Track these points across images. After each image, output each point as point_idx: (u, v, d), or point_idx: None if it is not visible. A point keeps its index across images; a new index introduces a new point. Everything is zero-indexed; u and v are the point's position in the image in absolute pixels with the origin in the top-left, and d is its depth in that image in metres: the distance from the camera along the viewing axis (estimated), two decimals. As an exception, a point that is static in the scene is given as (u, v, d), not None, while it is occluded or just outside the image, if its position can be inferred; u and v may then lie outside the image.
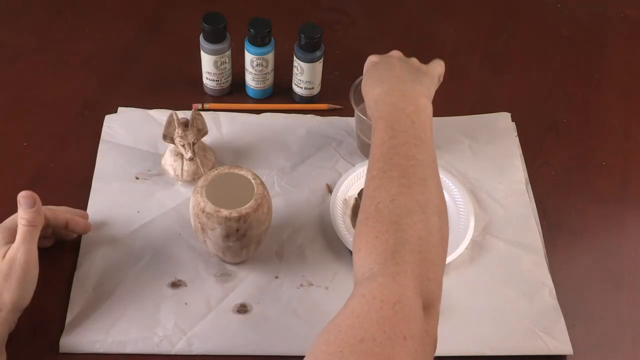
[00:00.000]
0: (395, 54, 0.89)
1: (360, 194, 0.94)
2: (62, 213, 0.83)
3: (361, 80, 0.96)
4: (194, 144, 0.90)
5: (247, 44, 1.00)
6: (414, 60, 0.88)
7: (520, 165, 0.99)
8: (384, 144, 0.74)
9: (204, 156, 0.93)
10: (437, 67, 0.88)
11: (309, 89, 1.04)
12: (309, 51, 0.99)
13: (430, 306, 0.64)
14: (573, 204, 0.97)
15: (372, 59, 0.89)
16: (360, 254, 0.66)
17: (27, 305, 0.76)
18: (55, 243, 0.86)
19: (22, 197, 0.77)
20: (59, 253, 0.86)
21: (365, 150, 0.98)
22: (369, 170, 0.73)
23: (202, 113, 0.94)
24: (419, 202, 0.68)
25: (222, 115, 1.02)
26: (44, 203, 0.84)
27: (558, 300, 0.85)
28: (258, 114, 1.03)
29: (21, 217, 0.77)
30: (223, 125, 1.01)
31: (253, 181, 0.80)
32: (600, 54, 1.18)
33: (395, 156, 0.72)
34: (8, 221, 0.79)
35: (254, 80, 1.03)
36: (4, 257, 0.74)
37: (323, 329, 0.61)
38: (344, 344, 0.57)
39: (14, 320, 0.76)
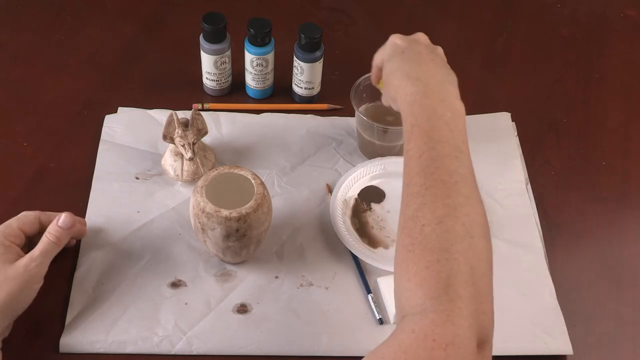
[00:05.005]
0: (423, 39, 0.82)
1: (360, 194, 0.94)
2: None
3: (362, 81, 0.96)
4: (194, 144, 0.90)
5: (247, 44, 1.00)
6: (440, 50, 0.82)
7: (520, 165, 0.99)
8: (423, 156, 0.68)
9: (204, 156, 0.93)
10: None
11: (309, 89, 1.04)
12: (309, 51, 0.99)
13: (485, 342, 0.61)
14: (573, 204, 0.97)
15: (397, 42, 0.81)
16: (410, 285, 0.62)
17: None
18: None
19: (65, 215, 0.79)
20: (59, 253, 0.85)
21: (365, 149, 0.98)
22: (406, 183, 0.69)
23: (202, 113, 0.94)
24: (466, 225, 0.64)
25: (222, 115, 1.02)
26: (44, 203, 0.85)
27: (558, 300, 0.85)
28: (258, 114, 1.03)
29: (51, 231, 0.77)
30: (223, 125, 1.01)
31: (253, 181, 0.80)
32: (600, 54, 1.19)
33: (436, 170, 0.67)
34: (5, 227, 0.78)
35: (254, 80, 1.03)
36: (12, 262, 0.75)
37: (364, 358, 0.58)
38: None
39: (7, 325, 0.75)
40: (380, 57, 0.84)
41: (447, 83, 0.75)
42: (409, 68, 0.77)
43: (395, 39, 0.82)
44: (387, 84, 0.80)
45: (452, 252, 0.62)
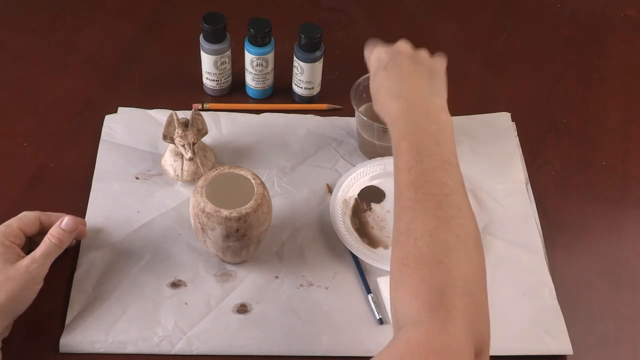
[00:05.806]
0: (404, 48, 0.82)
1: (360, 194, 0.94)
2: (57, 218, 0.81)
3: (362, 81, 0.96)
4: (194, 144, 0.90)
5: (247, 44, 1.00)
6: (424, 56, 0.82)
7: (520, 165, 0.99)
8: (411, 170, 0.69)
9: (204, 156, 0.93)
10: (443, 63, 0.83)
11: (309, 89, 1.04)
12: (309, 51, 0.99)
13: (482, 351, 0.61)
14: (573, 204, 0.97)
15: (380, 55, 0.82)
16: (405, 297, 0.63)
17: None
18: None
19: (68, 218, 0.79)
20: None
21: (365, 149, 0.98)
22: (398, 198, 0.69)
23: (202, 113, 0.94)
24: (459, 236, 0.65)
25: (222, 115, 1.02)
26: (44, 203, 0.85)
27: (558, 300, 0.85)
28: (258, 114, 1.03)
29: (53, 233, 0.77)
30: (223, 125, 1.01)
31: (253, 181, 0.80)
32: (600, 54, 1.19)
33: (425, 184, 0.68)
34: (5, 227, 0.78)
35: (254, 80, 1.03)
36: (13, 263, 0.75)
37: None
38: None
39: (7, 325, 0.75)
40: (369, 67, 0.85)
41: (431, 96, 0.76)
42: (391, 85, 0.78)
43: (379, 52, 0.83)
44: (374, 100, 0.81)
45: (446, 264, 0.63)
